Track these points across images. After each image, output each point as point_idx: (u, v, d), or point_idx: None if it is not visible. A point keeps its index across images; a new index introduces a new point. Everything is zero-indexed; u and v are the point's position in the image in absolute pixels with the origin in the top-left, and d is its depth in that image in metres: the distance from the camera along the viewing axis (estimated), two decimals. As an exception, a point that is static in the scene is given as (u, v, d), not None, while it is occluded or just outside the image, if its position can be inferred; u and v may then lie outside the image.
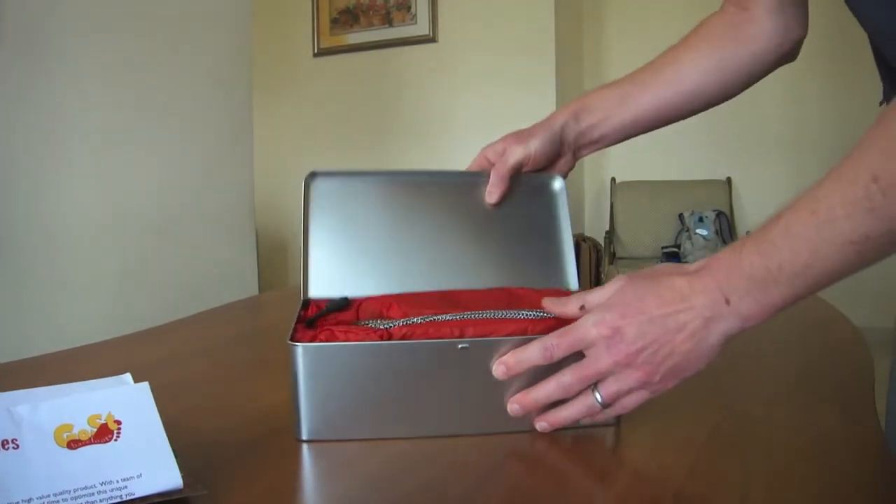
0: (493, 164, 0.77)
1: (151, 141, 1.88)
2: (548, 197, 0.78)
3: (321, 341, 0.58)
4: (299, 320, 0.64)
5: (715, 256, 0.52)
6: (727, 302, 0.50)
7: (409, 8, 3.62)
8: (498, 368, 0.57)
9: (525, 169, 0.77)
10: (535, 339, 0.56)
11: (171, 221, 1.93)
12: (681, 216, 3.51)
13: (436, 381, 0.58)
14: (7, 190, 1.56)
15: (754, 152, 3.56)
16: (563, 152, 0.80)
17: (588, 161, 3.97)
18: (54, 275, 1.64)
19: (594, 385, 0.56)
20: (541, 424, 0.59)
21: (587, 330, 0.54)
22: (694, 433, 0.60)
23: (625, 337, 0.52)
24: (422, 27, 3.57)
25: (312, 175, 0.74)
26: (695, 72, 0.78)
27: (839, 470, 0.55)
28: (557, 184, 0.79)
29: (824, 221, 0.45)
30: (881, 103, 0.67)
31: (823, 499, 0.50)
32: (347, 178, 0.75)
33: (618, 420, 0.62)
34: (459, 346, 0.57)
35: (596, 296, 0.56)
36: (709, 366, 0.54)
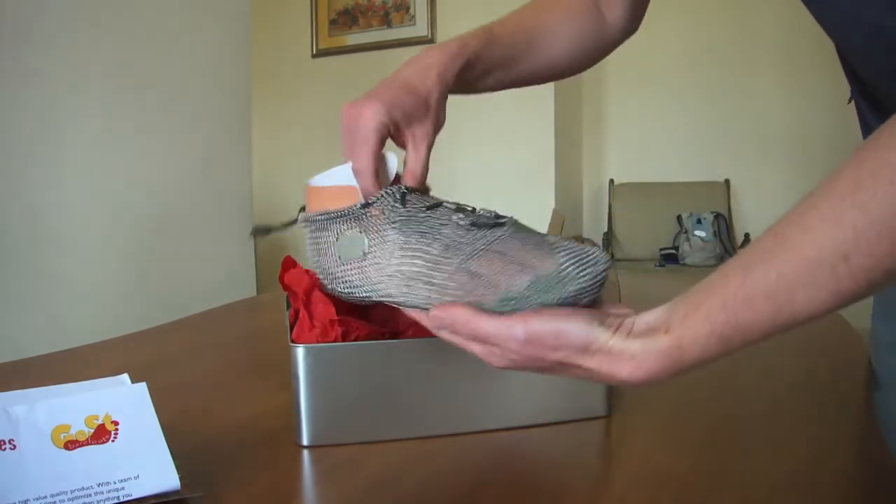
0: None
1: (149, 141, 1.87)
2: None
3: (325, 340, 0.58)
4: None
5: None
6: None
7: (407, 9, 3.62)
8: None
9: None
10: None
11: (169, 222, 1.93)
12: (679, 218, 3.51)
13: (438, 378, 0.58)
14: (5, 190, 1.56)
15: (753, 154, 3.56)
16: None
17: (586, 163, 3.97)
18: (50, 274, 1.64)
19: None
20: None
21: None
22: (693, 434, 0.60)
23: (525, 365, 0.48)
24: (420, 28, 3.57)
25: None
26: (558, 39, 0.73)
27: (839, 470, 0.55)
28: None
29: (786, 313, 0.41)
30: (849, 101, 0.67)
31: (823, 499, 0.50)
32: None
33: (609, 410, 0.63)
34: None
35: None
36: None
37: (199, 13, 2.01)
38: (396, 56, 3.76)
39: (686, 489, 0.50)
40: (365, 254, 0.52)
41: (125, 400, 0.48)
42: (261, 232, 0.63)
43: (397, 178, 0.57)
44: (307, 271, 0.66)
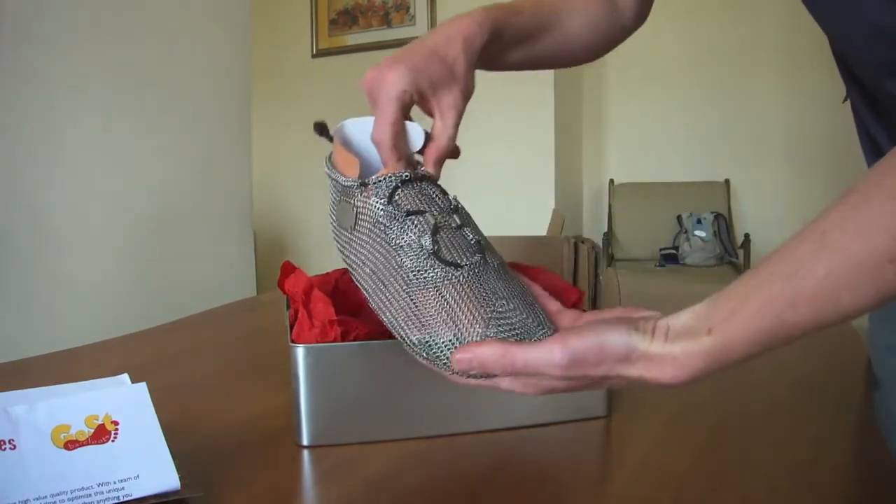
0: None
1: (149, 141, 1.87)
2: None
3: (324, 340, 0.58)
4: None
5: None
6: None
7: (407, 9, 3.62)
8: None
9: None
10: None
11: (169, 222, 1.93)
12: (679, 218, 3.51)
13: (438, 377, 0.58)
14: (5, 190, 1.56)
15: (753, 154, 3.56)
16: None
17: (586, 163, 3.97)
18: (50, 274, 1.64)
19: None
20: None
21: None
22: (693, 434, 0.60)
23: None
24: (420, 28, 3.57)
25: None
26: (575, 21, 0.73)
27: (839, 470, 0.55)
28: None
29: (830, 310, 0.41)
30: (844, 100, 0.67)
31: (823, 499, 0.50)
32: None
33: (609, 411, 0.63)
34: None
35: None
36: None
37: (199, 13, 2.01)
38: (396, 56, 3.75)
39: (686, 489, 0.50)
40: (352, 228, 0.52)
41: (125, 400, 0.48)
42: (319, 128, 0.60)
43: (427, 142, 0.56)
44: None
